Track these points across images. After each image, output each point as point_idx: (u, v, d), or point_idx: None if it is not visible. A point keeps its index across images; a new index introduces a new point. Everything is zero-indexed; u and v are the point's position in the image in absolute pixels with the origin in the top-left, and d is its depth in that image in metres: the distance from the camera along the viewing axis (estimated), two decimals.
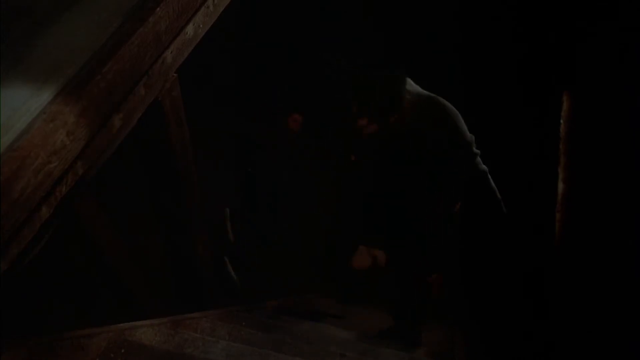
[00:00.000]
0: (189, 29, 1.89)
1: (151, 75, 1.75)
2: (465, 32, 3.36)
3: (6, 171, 1.19)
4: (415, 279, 2.53)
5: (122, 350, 1.83)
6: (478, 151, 2.16)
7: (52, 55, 1.46)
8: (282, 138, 3.52)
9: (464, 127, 2.10)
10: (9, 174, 1.20)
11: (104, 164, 1.69)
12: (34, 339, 1.76)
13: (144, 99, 1.77)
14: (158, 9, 1.64)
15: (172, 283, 3.06)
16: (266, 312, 2.89)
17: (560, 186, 2.08)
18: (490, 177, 2.23)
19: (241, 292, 3.35)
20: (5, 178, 1.19)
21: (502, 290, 2.65)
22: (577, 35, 2.18)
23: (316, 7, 3.52)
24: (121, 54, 1.52)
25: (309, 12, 3.49)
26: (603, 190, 2.03)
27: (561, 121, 2.13)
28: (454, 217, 2.31)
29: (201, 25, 1.91)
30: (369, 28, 3.48)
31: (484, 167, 2.20)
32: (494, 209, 2.23)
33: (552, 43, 2.37)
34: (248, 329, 2.20)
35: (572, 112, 2.11)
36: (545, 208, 2.17)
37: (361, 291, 2.97)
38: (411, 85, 2.15)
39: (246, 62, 3.66)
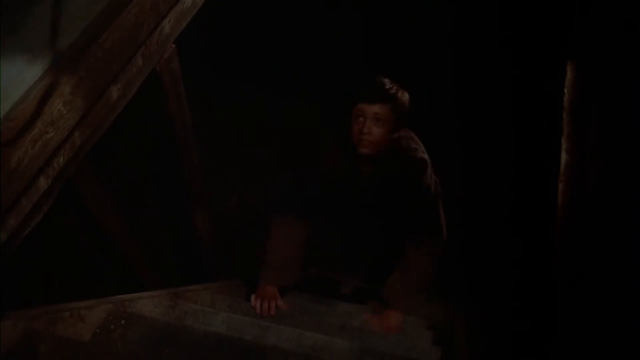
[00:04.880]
0: None
1: (149, 44, 1.73)
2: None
3: (2, 141, 1.18)
4: None
5: (122, 322, 1.83)
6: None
7: (49, 24, 1.43)
8: None
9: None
10: (5, 144, 1.18)
11: (102, 136, 1.67)
12: (33, 310, 1.76)
13: (142, 70, 1.74)
14: None
15: (172, 256, 3.07)
16: None
17: (564, 157, 2.06)
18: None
19: None
20: (1, 148, 1.17)
21: (503, 268, 2.66)
22: (583, 3, 2.15)
23: None
24: (118, 23, 1.49)
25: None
26: (607, 162, 2.02)
27: (565, 91, 2.10)
28: None
29: None
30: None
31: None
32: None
33: (556, 11, 2.34)
34: (248, 302, 2.21)
35: (576, 81, 2.09)
36: (548, 179, 2.15)
37: None
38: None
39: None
